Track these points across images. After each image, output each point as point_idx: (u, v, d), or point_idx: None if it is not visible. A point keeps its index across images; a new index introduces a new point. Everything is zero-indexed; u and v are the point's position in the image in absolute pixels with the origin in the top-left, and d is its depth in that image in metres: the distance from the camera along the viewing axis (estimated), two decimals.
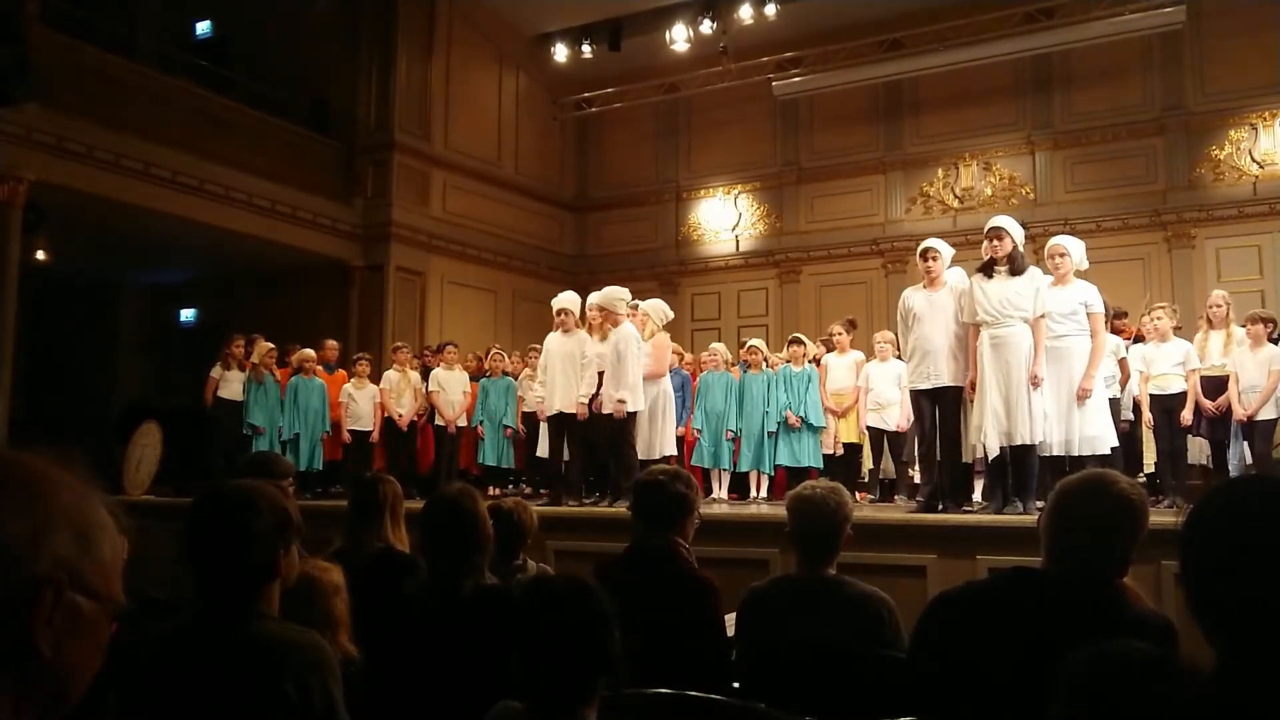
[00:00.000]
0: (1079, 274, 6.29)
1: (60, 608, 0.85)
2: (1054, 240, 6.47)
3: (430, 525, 2.93)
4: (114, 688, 1.80)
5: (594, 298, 7.83)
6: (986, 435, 5.88)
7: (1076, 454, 5.94)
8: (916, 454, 7.22)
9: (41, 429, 11.54)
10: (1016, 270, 6.01)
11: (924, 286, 6.48)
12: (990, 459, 5.98)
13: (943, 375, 6.24)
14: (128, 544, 0.93)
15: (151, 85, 11.15)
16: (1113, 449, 6.12)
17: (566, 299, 8.03)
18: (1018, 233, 6.17)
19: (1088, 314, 6.09)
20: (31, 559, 0.84)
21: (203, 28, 14.79)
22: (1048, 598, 2.11)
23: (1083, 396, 5.89)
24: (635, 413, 7.43)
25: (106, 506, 0.92)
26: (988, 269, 6.08)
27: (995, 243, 6.07)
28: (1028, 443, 5.84)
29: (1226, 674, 1.17)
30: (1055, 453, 5.94)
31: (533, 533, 3.64)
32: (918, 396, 6.47)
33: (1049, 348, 5.95)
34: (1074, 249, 6.33)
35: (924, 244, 6.58)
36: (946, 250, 6.54)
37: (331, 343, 10.57)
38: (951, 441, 6.30)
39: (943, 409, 6.32)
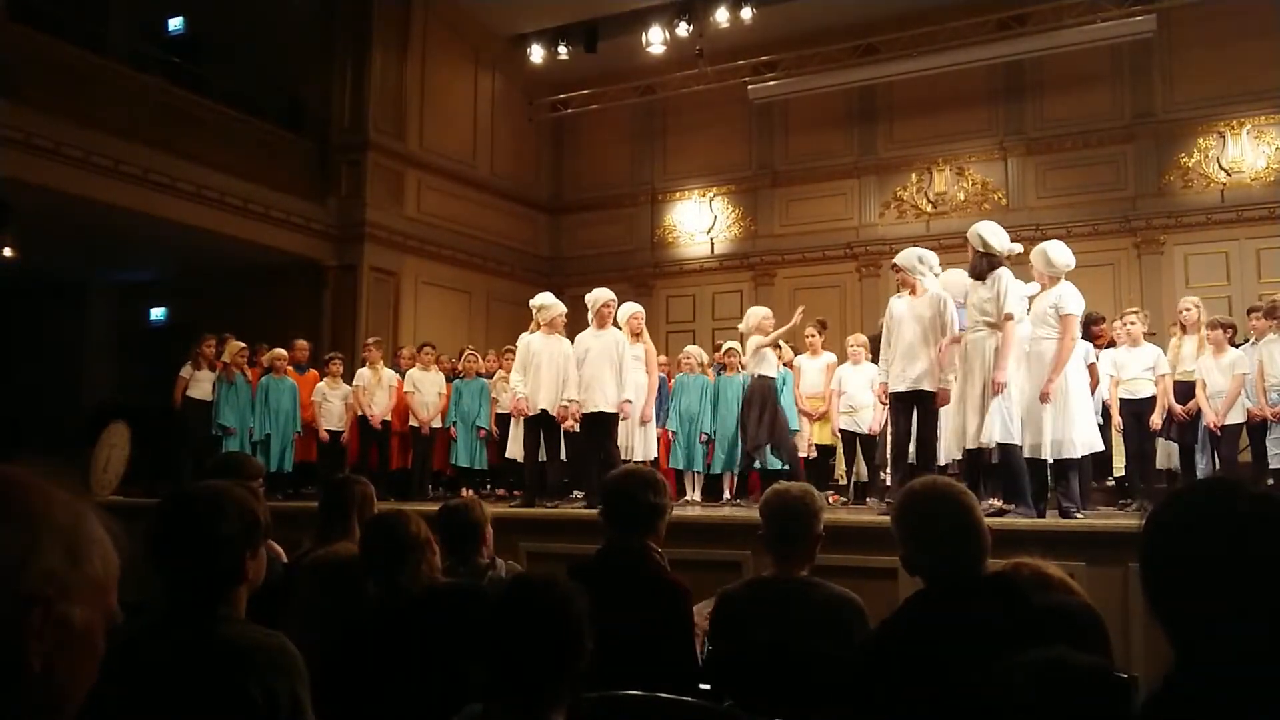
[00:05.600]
0: (1068, 276, 6.28)
1: (50, 623, 0.86)
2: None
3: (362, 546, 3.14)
4: None
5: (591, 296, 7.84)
6: (950, 438, 5.91)
7: (1060, 457, 5.96)
8: (890, 456, 7.24)
9: (7, 429, 11.39)
10: (978, 276, 6.07)
11: (907, 294, 6.51)
12: (957, 461, 6.01)
13: (921, 378, 6.26)
14: (119, 557, 0.94)
15: (122, 82, 10.99)
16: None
17: (544, 299, 7.97)
18: (978, 239, 6.12)
19: (1059, 315, 6.12)
20: (21, 577, 0.85)
21: (175, 24, 14.66)
22: (956, 607, 2.20)
23: (1043, 399, 5.89)
24: (616, 415, 7.44)
25: (101, 520, 0.93)
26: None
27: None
28: (1004, 443, 5.81)
29: (1181, 674, 1.18)
30: (1040, 456, 5.93)
31: (485, 527, 3.57)
32: (895, 398, 6.47)
33: (1026, 352, 5.98)
34: (1047, 254, 6.15)
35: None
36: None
37: (302, 343, 10.48)
38: (925, 444, 6.33)
39: (920, 411, 6.34)
